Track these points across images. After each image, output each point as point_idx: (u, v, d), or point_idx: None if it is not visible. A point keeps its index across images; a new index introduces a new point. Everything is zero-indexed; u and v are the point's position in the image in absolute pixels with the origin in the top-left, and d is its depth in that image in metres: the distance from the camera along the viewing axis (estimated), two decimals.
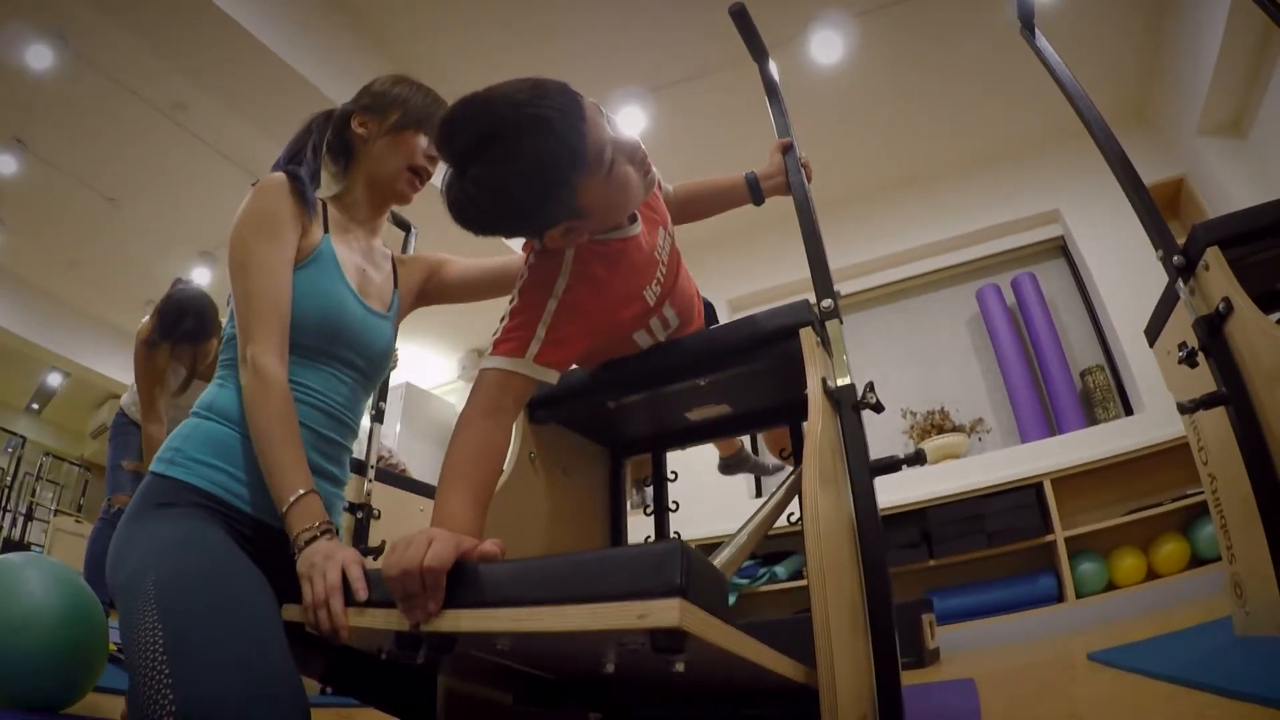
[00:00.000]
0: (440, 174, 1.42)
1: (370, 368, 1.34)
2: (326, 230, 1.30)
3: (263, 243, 1.19)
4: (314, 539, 0.99)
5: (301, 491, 1.04)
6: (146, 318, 2.88)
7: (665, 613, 0.63)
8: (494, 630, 0.75)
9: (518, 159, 0.98)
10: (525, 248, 1.25)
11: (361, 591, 0.89)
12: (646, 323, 1.33)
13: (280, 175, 1.26)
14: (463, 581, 0.80)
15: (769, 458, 2.20)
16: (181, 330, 2.80)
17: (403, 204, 1.44)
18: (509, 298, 1.18)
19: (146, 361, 2.85)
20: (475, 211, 1.03)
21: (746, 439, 2.13)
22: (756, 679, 0.91)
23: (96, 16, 3.47)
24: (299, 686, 0.89)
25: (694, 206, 1.61)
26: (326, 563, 0.93)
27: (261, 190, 1.23)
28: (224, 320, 1.32)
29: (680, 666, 0.69)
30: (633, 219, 1.27)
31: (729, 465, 2.08)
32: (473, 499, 1.01)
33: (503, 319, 1.15)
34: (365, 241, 1.41)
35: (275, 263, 1.18)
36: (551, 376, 1.13)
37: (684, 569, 0.65)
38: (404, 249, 2.93)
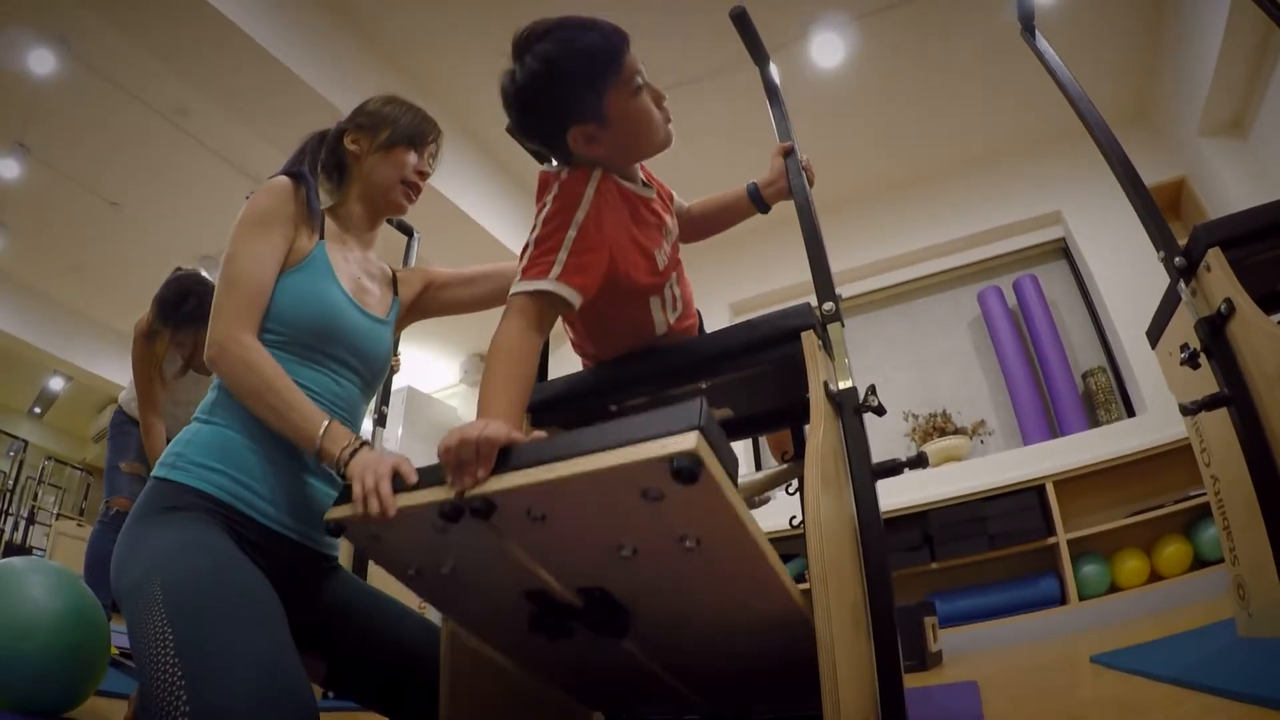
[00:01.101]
0: (436, 176, 1.45)
1: (368, 371, 1.35)
2: (322, 237, 1.32)
3: (250, 235, 1.22)
4: (356, 450, 1.05)
5: (326, 422, 1.09)
6: (146, 311, 2.84)
7: (685, 440, 0.73)
8: (532, 483, 0.81)
9: (570, 43, 1.17)
10: (539, 194, 1.28)
11: (412, 476, 0.93)
12: (660, 290, 1.35)
13: (283, 177, 1.29)
14: (509, 458, 0.86)
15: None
16: (183, 313, 2.75)
17: (398, 214, 1.49)
18: (532, 226, 1.22)
19: (145, 352, 2.83)
20: (525, 81, 1.19)
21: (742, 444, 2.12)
22: (759, 645, 0.93)
23: (98, 21, 3.48)
24: (307, 687, 0.90)
25: (706, 225, 1.64)
26: (377, 461, 0.96)
27: (263, 190, 1.27)
28: None
29: (693, 541, 0.82)
30: (647, 186, 1.36)
31: None
32: (514, 402, 1.06)
33: (526, 247, 1.19)
34: (360, 253, 1.43)
35: (257, 250, 1.21)
36: (575, 298, 1.15)
37: (703, 413, 0.75)
38: (406, 253, 2.93)
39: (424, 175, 1.46)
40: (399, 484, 0.93)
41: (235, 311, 1.16)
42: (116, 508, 2.91)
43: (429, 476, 0.91)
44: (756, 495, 1.60)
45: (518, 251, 1.22)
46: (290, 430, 1.10)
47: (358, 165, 1.42)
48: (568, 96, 1.20)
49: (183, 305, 2.74)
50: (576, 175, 1.23)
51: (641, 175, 1.37)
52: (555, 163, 1.30)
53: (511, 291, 1.15)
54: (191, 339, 2.77)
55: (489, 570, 0.97)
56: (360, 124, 1.44)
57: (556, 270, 1.14)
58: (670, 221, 1.40)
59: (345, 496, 0.97)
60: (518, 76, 1.20)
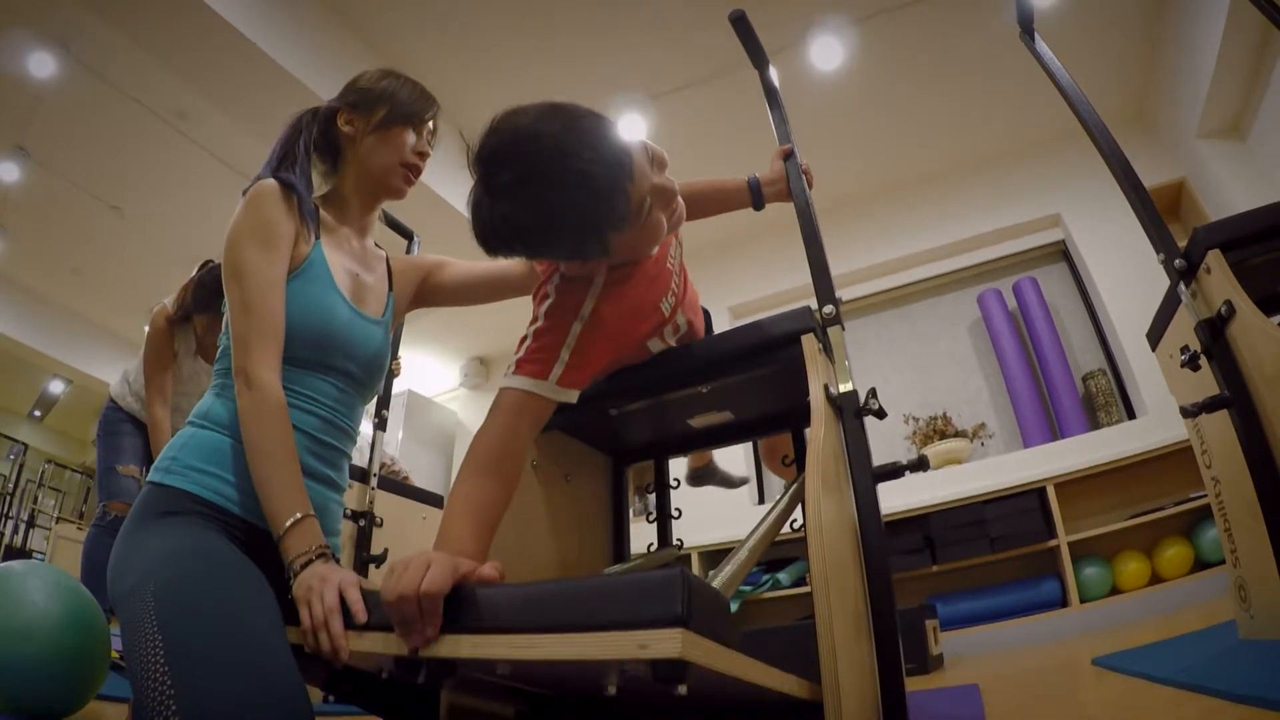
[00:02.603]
0: (436, 178, 1.43)
1: (365, 374, 1.33)
2: (318, 237, 1.28)
3: (258, 253, 1.18)
4: (309, 562, 0.99)
5: (299, 515, 1.03)
6: (168, 299, 2.83)
7: (667, 644, 0.63)
8: (493, 658, 0.74)
9: (555, 208, 0.98)
10: (541, 268, 1.24)
11: (360, 614, 0.89)
12: (661, 331, 1.34)
13: (274, 183, 1.24)
14: (461, 606, 0.79)
15: (735, 471, 2.21)
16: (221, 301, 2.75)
17: (397, 199, 1.42)
18: (532, 316, 1.17)
19: (166, 341, 2.81)
20: (500, 242, 1.03)
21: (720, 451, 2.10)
22: (761, 695, 0.91)
23: (98, 25, 3.48)
24: (303, 693, 0.89)
25: (695, 206, 1.60)
26: (324, 585, 0.92)
27: (256, 198, 1.22)
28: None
29: (683, 690, 0.69)
30: None
31: (698, 477, 2.07)
32: (479, 522, 1.00)
33: (524, 339, 1.14)
34: (357, 242, 1.39)
35: (271, 275, 1.18)
36: (571, 397, 1.13)
37: (685, 598, 0.64)
38: None
39: (424, 156, 1.39)
40: (348, 619, 0.89)
41: (262, 343, 1.13)
42: (114, 512, 2.89)
43: (381, 611, 0.83)
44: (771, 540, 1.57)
45: None
46: (264, 503, 1.06)
47: (352, 148, 1.36)
48: (559, 255, 1.11)
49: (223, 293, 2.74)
50: (576, 286, 1.17)
51: None
52: None
53: (504, 384, 1.11)
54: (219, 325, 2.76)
55: (468, 678, 0.93)
56: (353, 102, 1.36)
57: (557, 371, 1.10)
58: (673, 248, 1.35)
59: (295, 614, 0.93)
60: (490, 232, 1.01)
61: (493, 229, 1.01)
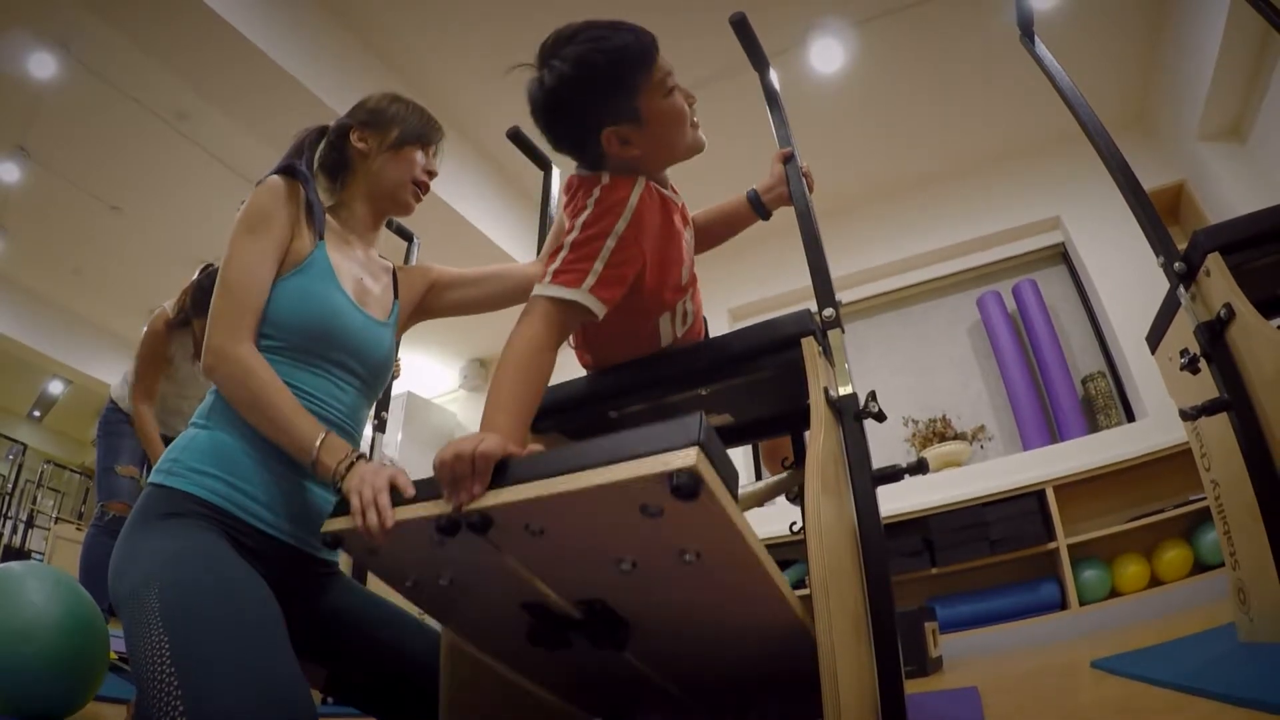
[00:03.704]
0: (436, 180, 1.45)
1: (370, 375, 1.34)
2: (321, 237, 1.30)
3: (246, 237, 1.21)
4: (352, 464, 1.04)
5: (323, 435, 1.08)
6: (169, 303, 2.84)
7: (684, 457, 0.72)
8: (529, 497, 0.81)
9: (600, 43, 1.16)
10: (575, 193, 1.27)
11: (409, 489, 0.93)
12: (674, 305, 1.35)
13: (279, 177, 1.27)
14: (506, 473, 0.86)
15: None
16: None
17: (404, 214, 1.47)
18: (568, 228, 1.21)
19: (162, 344, 2.83)
20: (555, 84, 1.18)
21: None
22: (760, 652, 0.92)
23: (99, 25, 3.48)
24: (306, 695, 0.90)
25: (712, 234, 1.63)
26: (374, 474, 0.96)
27: (259, 190, 1.25)
28: None
29: (693, 554, 0.81)
30: (675, 193, 1.36)
31: None
32: (519, 412, 1.06)
33: (560, 249, 1.19)
34: (363, 252, 1.42)
35: (252, 254, 1.20)
36: (601, 311, 1.16)
37: (703, 429, 0.75)
38: (406, 259, 2.93)
39: (432, 175, 1.46)
40: (396, 497, 0.93)
41: (232, 319, 1.15)
42: (113, 512, 2.91)
43: (426, 490, 0.90)
44: (757, 505, 1.60)
45: (517, 256, 1.22)
46: (286, 442, 1.10)
47: (364, 164, 1.41)
48: (601, 97, 1.19)
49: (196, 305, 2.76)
50: (621, 181, 1.22)
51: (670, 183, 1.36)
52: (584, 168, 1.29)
53: (537, 291, 1.15)
54: None
55: (487, 583, 0.97)
56: (366, 121, 1.42)
57: (590, 281, 1.14)
58: (689, 237, 1.40)
59: (342, 508, 0.96)
60: (546, 80, 1.19)
61: (547, 80, 1.18)
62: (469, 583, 0.97)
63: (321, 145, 1.43)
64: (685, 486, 0.72)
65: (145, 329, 2.84)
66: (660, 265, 1.27)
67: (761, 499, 1.55)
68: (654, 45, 1.20)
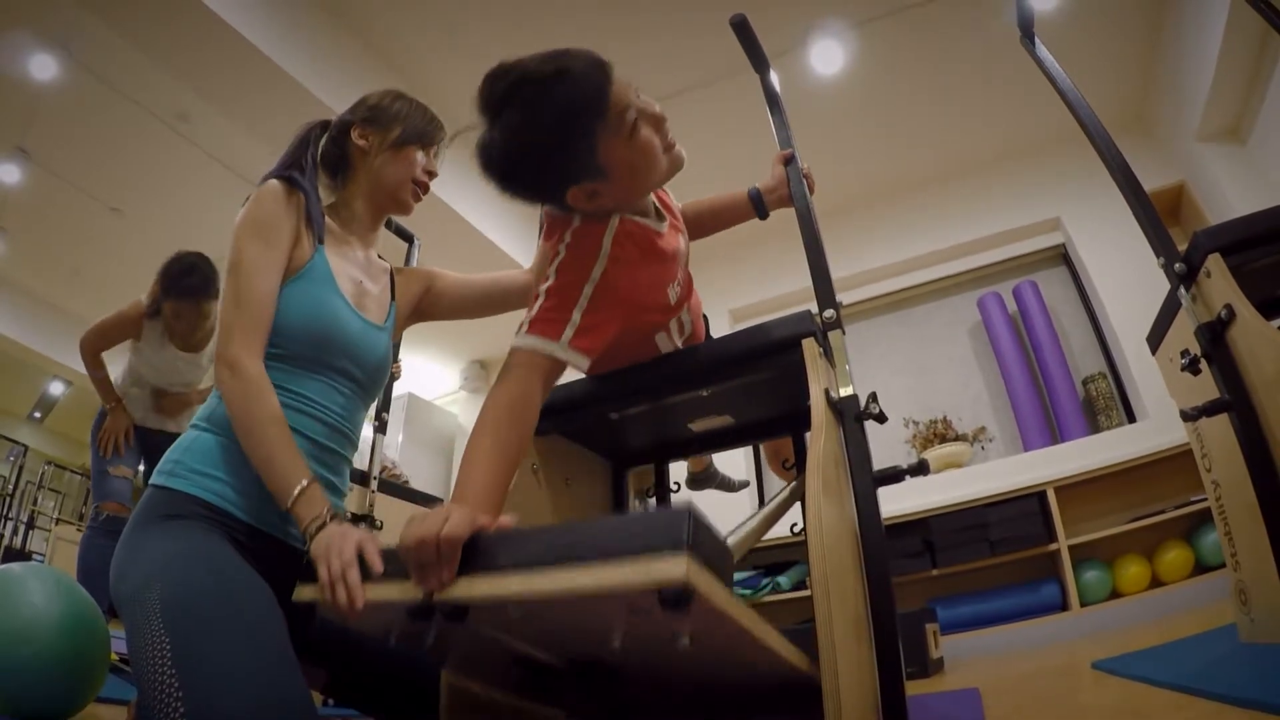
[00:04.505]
0: (436, 181, 1.45)
1: (367, 379, 1.34)
2: (321, 241, 1.30)
3: (255, 247, 1.20)
4: (324, 524, 1.00)
5: (305, 483, 1.05)
6: (144, 296, 3.01)
7: (673, 567, 0.65)
8: (506, 594, 0.76)
9: (542, 104, 1.05)
10: (549, 233, 1.25)
11: (377, 565, 0.89)
12: (667, 323, 1.34)
13: (279, 182, 1.26)
14: (477, 553, 0.81)
15: (735, 475, 2.22)
16: (186, 284, 2.93)
17: (404, 214, 1.46)
18: (544, 275, 1.17)
19: (132, 326, 3.02)
20: (502, 157, 1.09)
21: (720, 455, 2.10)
22: (759, 673, 0.91)
23: (99, 27, 3.48)
24: (307, 697, 0.90)
25: (700, 225, 1.61)
26: (342, 541, 0.93)
27: (260, 195, 1.24)
28: None
29: (685, 641, 0.72)
30: (660, 217, 1.30)
31: (697, 480, 2.07)
32: (494, 478, 1.01)
33: (536, 297, 1.15)
34: (362, 253, 1.41)
35: (262, 266, 1.19)
36: (582, 362, 1.14)
37: (691, 528, 0.67)
38: (406, 260, 2.93)
39: (432, 175, 1.44)
40: (364, 571, 0.90)
41: (245, 332, 1.14)
42: (107, 512, 2.95)
43: (395, 565, 0.86)
44: (762, 535, 1.57)
45: (517, 257, 1.21)
46: (268, 479, 1.07)
47: (364, 162, 1.40)
48: (553, 164, 1.11)
49: (188, 277, 2.91)
50: (593, 225, 1.18)
51: (655, 201, 1.33)
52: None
53: (515, 343, 1.12)
54: (193, 310, 2.98)
55: (473, 642, 0.94)
56: (368, 119, 1.40)
57: (569, 333, 1.11)
58: (683, 245, 1.37)
59: (311, 574, 0.94)
60: (492, 149, 1.10)
61: (493, 151, 1.09)
62: (453, 641, 0.95)
63: (324, 140, 1.43)
64: (674, 599, 0.66)
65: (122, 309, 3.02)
66: (643, 299, 1.25)
67: (767, 528, 1.52)
68: (605, 83, 1.08)
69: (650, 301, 1.28)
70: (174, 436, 2.89)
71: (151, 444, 3.16)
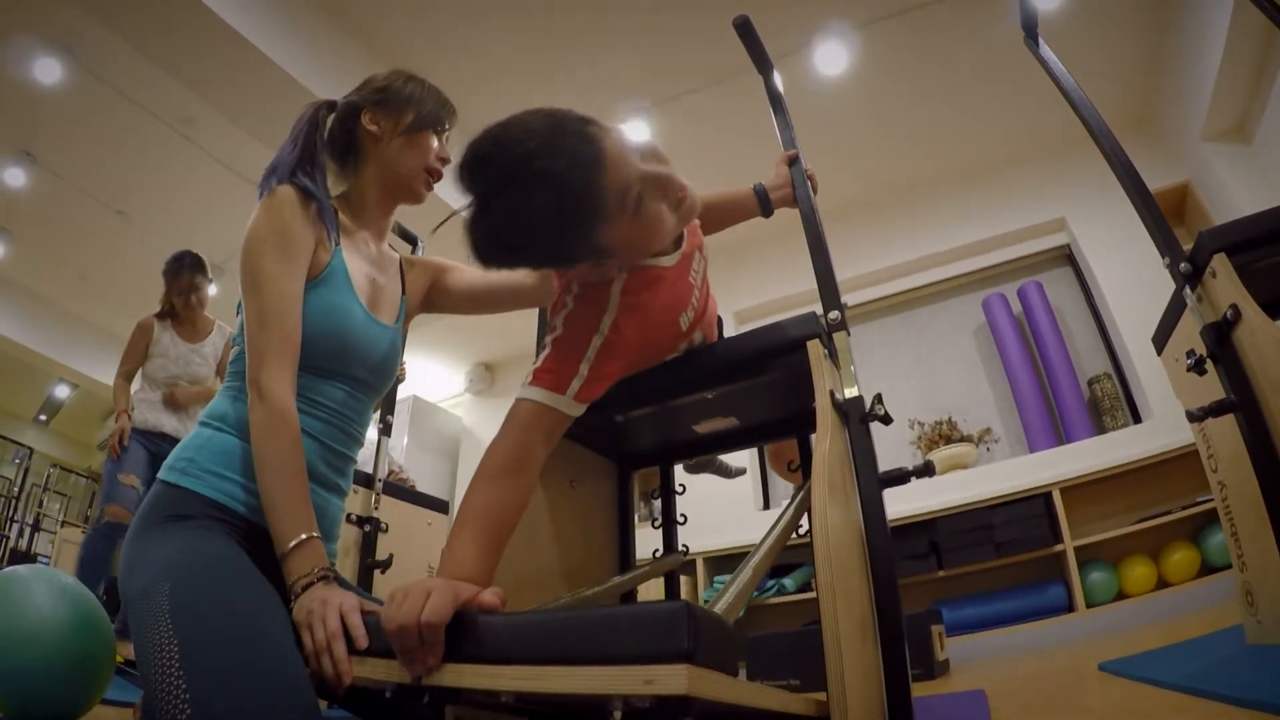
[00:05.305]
0: (440, 182, 1.43)
1: (376, 380, 1.33)
2: (338, 243, 1.28)
3: (276, 262, 1.16)
4: (310, 585, 0.98)
5: (303, 537, 1.03)
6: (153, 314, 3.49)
7: (673, 679, 0.62)
8: (497, 688, 0.73)
9: (529, 208, 0.95)
10: (556, 276, 1.23)
11: (361, 640, 0.88)
12: (676, 346, 1.33)
13: (293, 189, 1.23)
14: (463, 634, 0.79)
15: (731, 462, 2.21)
16: (179, 265, 3.45)
17: (416, 204, 1.42)
18: (551, 325, 1.15)
19: (138, 345, 3.41)
20: (491, 251, 1.01)
21: None
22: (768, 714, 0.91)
23: (105, 31, 3.50)
24: (313, 699, 0.89)
25: (706, 222, 1.56)
26: (325, 609, 0.91)
27: (275, 204, 1.20)
28: (234, 327, 1.32)
29: None
30: (676, 242, 1.26)
31: (695, 466, 2.07)
32: (487, 539, 0.98)
33: (544, 346, 1.13)
34: (374, 245, 1.39)
35: (289, 288, 1.17)
36: (582, 410, 1.12)
37: (691, 632, 0.64)
38: None
39: (445, 162, 1.39)
40: (350, 644, 0.88)
41: (277, 358, 1.12)
42: (109, 517, 3.10)
43: (381, 637, 0.83)
44: (777, 555, 1.55)
45: None
46: (270, 520, 1.05)
47: (376, 148, 1.35)
48: (550, 257, 1.08)
49: (179, 261, 3.46)
50: (600, 281, 1.15)
51: None
52: None
53: (520, 395, 1.09)
54: (189, 282, 3.46)
55: (470, 702, 0.92)
56: (379, 102, 1.35)
57: (575, 387, 1.08)
58: (695, 261, 1.32)
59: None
60: (480, 241, 1.00)
61: (479, 242, 1.00)
62: (451, 701, 0.93)
63: (330, 122, 1.38)
64: (675, 709, 0.64)
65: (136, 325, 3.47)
66: (652, 339, 1.24)
67: (781, 545, 1.50)
68: (598, 176, 0.96)
69: (661, 336, 1.27)
70: (175, 440, 2.97)
71: (159, 451, 3.31)
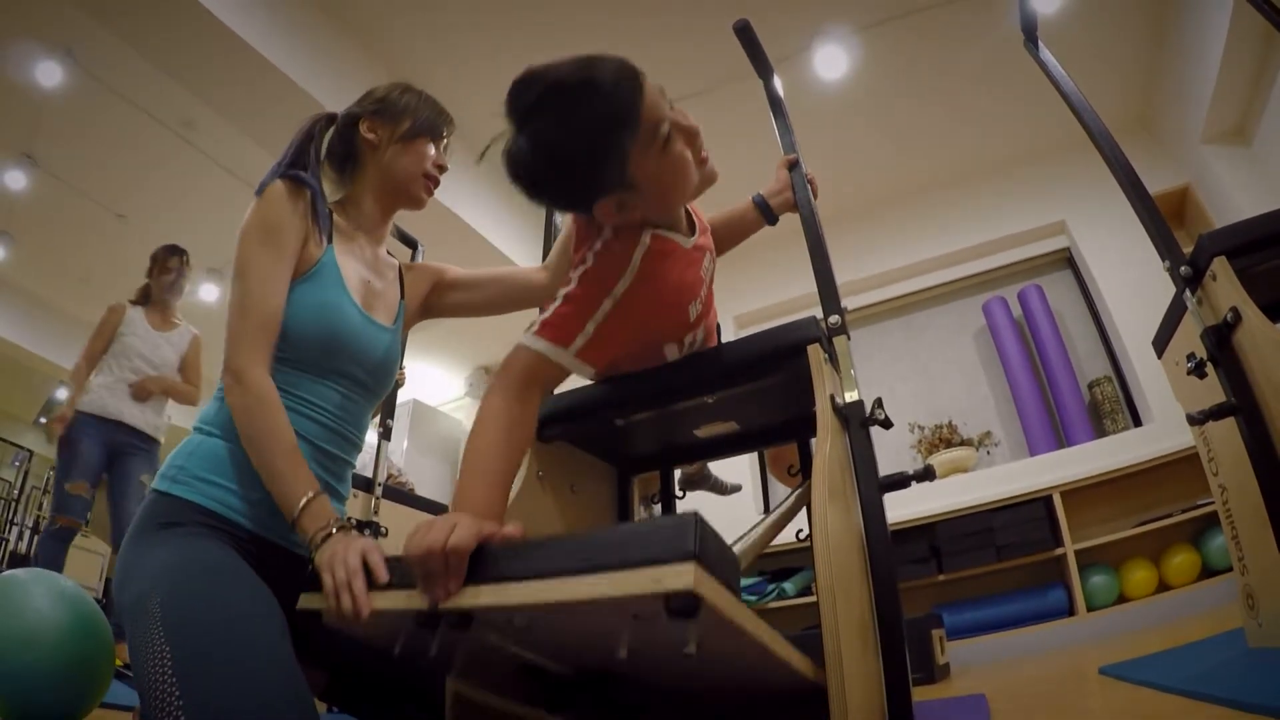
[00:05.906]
0: (440, 186, 1.43)
1: (374, 381, 1.33)
2: (330, 241, 1.28)
3: (261, 251, 1.18)
4: (329, 535, 1.00)
5: (310, 495, 1.04)
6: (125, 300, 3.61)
7: (680, 576, 0.65)
8: (511, 603, 0.75)
9: (572, 116, 1.02)
10: (579, 241, 1.23)
11: (382, 574, 0.89)
12: (681, 336, 1.33)
13: (284, 183, 1.23)
14: (483, 563, 0.81)
15: (729, 480, 2.23)
16: (175, 250, 3.60)
17: (415, 209, 1.44)
18: (567, 279, 1.16)
19: (104, 333, 3.50)
20: (530, 167, 1.06)
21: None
22: (766, 680, 0.91)
23: (105, 34, 3.50)
24: (310, 704, 0.89)
25: (715, 242, 1.59)
26: (346, 551, 0.93)
27: (266, 197, 1.22)
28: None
29: (692, 648, 0.71)
30: (692, 229, 1.28)
31: (691, 482, 2.06)
32: (496, 483, 1.01)
33: (554, 299, 1.14)
34: (371, 251, 1.39)
35: (270, 272, 1.18)
36: (587, 373, 1.14)
37: (698, 536, 0.67)
38: None
39: (442, 169, 1.42)
40: (370, 580, 0.90)
41: (251, 341, 1.13)
42: (60, 524, 3.25)
43: (401, 573, 0.86)
44: (775, 536, 1.56)
45: (520, 262, 1.19)
46: (274, 491, 1.06)
47: (374, 156, 1.37)
48: (582, 178, 1.08)
49: (171, 248, 3.61)
50: (624, 237, 1.15)
51: (689, 211, 1.30)
52: None
53: (522, 341, 1.11)
54: (178, 262, 3.62)
55: (479, 652, 0.94)
56: (377, 111, 1.37)
57: (579, 343, 1.10)
58: (709, 260, 1.34)
59: (317, 582, 0.94)
60: (519, 158, 1.06)
61: (524, 152, 1.05)
62: (459, 650, 0.95)
63: (329, 134, 1.40)
64: (681, 609, 0.65)
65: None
66: (661, 318, 1.24)
67: (774, 534, 1.51)
68: (637, 95, 1.03)
69: (670, 318, 1.27)
70: (133, 430, 3.03)
71: (113, 441, 3.40)
